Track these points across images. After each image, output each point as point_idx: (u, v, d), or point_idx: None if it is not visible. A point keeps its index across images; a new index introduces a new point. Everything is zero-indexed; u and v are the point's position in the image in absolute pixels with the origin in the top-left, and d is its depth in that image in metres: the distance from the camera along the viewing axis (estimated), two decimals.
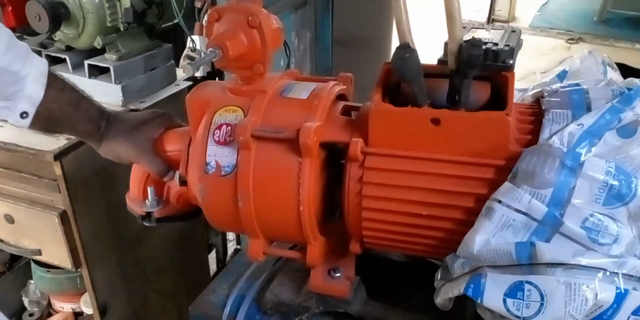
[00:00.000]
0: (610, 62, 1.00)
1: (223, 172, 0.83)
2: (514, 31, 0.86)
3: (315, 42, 1.96)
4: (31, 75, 0.83)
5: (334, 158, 0.86)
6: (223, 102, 0.86)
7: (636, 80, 0.81)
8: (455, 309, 0.83)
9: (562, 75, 0.91)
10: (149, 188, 0.97)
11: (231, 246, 2.29)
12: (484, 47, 0.77)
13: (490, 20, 5.50)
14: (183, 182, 0.93)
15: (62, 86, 0.89)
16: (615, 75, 0.98)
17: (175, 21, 1.55)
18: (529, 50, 5.04)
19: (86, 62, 1.53)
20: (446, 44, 0.76)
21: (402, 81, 0.80)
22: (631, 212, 0.68)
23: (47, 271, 1.88)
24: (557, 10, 5.80)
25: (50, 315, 2.06)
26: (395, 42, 0.85)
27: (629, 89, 0.74)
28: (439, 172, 0.77)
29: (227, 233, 2.22)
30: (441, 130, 0.76)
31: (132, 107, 1.55)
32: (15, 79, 0.82)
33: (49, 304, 2.06)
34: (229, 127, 0.83)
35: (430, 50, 0.92)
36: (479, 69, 0.76)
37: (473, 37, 0.75)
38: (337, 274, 0.92)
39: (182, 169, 0.92)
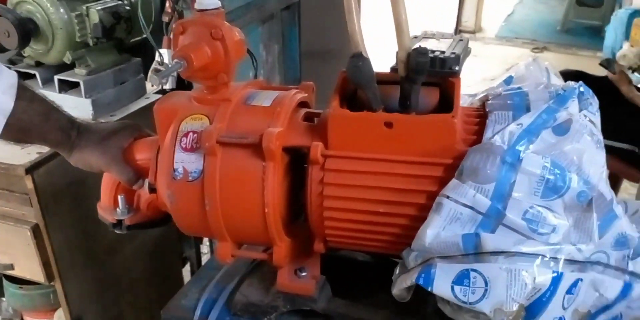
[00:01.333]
0: (554, 70, 1.07)
1: (190, 178, 0.87)
2: (461, 40, 0.92)
3: (283, 54, 2.02)
4: (1, 87, 0.86)
5: (298, 162, 0.91)
6: (189, 111, 0.90)
7: (572, 83, 0.87)
8: (417, 305, 0.88)
9: (508, 81, 0.97)
10: (119, 196, 1.00)
11: (205, 259, 2.31)
12: (431, 55, 0.83)
13: (457, 31, 5.66)
14: (152, 189, 0.97)
15: (32, 97, 0.92)
16: (557, 81, 1.04)
17: (144, 36, 1.59)
18: (495, 60, 5.21)
19: (56, 77, 1.56)
20: (397, 53, 0.82)
21: (357, 88, 0.85)
22: (566, 204, 0.74)
23: (20, 288, 1.87)
24: (522, 21, 5.99)
25: None
26: None
27: (564, 91, 0.81)
28: (393, 172, 0.82)
29: (201, 246, 2.24)
30: (394, 132, 0.81)
31: (103, 121, 1.58)
32: None
33: None
34: (196, 135, 0.87)
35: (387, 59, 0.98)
36: (426, 75, 0.82)
37: (420, 45, 0.80)
38: (303, 273, 0.96)
39: (151, 177, 0.95)
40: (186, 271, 2.20)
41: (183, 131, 0.88)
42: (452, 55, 0.84)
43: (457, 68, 0.83)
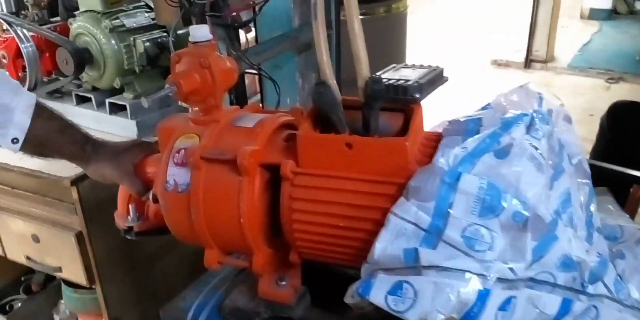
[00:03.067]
0: (548, 96, 1.08)
1: (180, 189, 0.98)
2: (435, 70, 0.98)
3: None
4: (19, 107, 1.02)
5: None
6: (184, 130, 1.01)
7: (544, 109, 0.91)
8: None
9: (485, 108, 1.01)
10: (130, 205, 1.13)
11: None
12: (396, 83, 0.90)
13: (528, 60, 5.57)
14: (156, 199, 1.09)
15: (50, 116, 1.08)
16: (555, 107, 1.06)
17: None
18: (566, 90, 5.07)
19: (107, 100, 1.74)
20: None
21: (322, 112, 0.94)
22: (502, 223, 0.77)
23: (75, 291, 2.06)
24: (598, 50, 5.79)
25: None
26: None
27: (511, 117, 0.85)
28: (352, 189, 0.89)
29: None
30: (354, 153, 0.88)
31: (146, 140, 1.74)
32: (6, 109, 1.01)
33: None
34: (186, 151, 0.98)
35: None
36: (389, 101, 0.89)
37: (375, 74, 0.88)
38: (283, 282, 1.04)
39: (155, 188, 1.08)
40: None
41: (176, 148, 1.00)
42: (415, 84, 0.90)
43: (417, 95, 0.89)
